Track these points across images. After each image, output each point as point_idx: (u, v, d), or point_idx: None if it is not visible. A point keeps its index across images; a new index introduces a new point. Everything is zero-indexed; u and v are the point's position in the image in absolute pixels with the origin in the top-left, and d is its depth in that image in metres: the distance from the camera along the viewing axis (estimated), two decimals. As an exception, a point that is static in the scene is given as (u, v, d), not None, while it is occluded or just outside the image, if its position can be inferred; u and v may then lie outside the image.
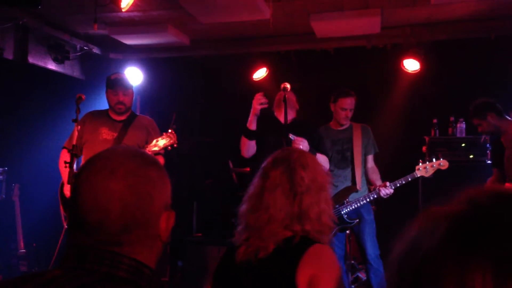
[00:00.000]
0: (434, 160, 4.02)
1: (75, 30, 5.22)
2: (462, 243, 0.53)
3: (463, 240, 0.54)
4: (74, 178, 1.05)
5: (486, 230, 0.54)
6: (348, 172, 4.26)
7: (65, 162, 3.54)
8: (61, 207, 3.72)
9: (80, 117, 3.61)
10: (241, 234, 1.77)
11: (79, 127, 3.61)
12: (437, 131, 4.98)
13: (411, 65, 5.18)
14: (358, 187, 4.18)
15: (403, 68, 5.23)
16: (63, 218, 3.68)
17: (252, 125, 3.58)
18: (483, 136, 4.58)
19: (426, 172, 4.02)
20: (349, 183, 4.22)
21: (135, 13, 4.59)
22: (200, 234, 5.38)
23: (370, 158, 4.31)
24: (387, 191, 3.96)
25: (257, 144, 3.67)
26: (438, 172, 4.75)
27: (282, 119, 3.52)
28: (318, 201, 1.73)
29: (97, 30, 4.41)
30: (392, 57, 5.28)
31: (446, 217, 0.58)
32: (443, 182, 4.03)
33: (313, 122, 4.03)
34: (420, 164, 4.05)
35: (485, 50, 5.05)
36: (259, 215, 1.72)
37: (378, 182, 4.17)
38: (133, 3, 3.59)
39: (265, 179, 1.76)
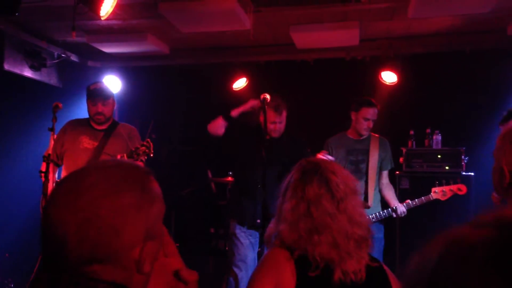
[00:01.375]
0: (451, 183, 3.91)
1: (52, 37, 5.15)
2: (501, 272, 0.53)
3: (501, 270, 0.53)
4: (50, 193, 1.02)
5: None
6: (361, 185, 4.06)
7: (40, 172, 3.48)
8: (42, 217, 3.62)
9: (56, 126, 3.56)
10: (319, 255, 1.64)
11: (55, 136, 3.55)
12: (414, 142, 5.04)
13: (389, 77, 5.26)
14: (369, 203, 4.02)
15: (381, 80, 5.30)
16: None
17: (235, 113, 3.73)
18: None
19: (443, 195, 3.89)
20: (361, 197, 4.06)
21: (115, 21, 4.55)
22: (178, 244, 5.33)
23: (385, 173, 4.17)
24: (403, 209, 3.90)
25: (239, 151, 3.73)
26: (414, 181, 4.80)
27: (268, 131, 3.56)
28: (355, 204, 1.71)
29: (75, 38, 4.35)
30: (370, 69, 5.35)
31: (478, 245, 0.56)
32: (420, 192, 4.03)
33: (301, 137, 4.00)
34: (437, 186, 3.92)
35: (460, 63, 5.15)
36: (323, 230, 1.64)
37: (393, 200, 4.03)
38: (112, 12, 3.56)
39: (303, 194, 1.70)
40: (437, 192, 3.90)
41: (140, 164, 3.67)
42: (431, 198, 3.91)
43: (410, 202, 3.93)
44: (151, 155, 3.52)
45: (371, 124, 4.09)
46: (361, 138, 4.18)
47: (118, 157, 3.46)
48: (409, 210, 3.95)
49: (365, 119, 4.06)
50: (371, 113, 4.05)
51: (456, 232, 0.60)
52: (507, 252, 0.54)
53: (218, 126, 3.73)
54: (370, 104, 4.06)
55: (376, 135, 4.23)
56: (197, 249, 5.01)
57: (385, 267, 1.71)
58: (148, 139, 3.53)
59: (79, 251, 0.89)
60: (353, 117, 4.15)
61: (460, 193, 3.93)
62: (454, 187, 3.92)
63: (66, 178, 0.98)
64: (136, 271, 0.94)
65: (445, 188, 3.91)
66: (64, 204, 0.91)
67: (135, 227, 0.93)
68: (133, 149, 3.53)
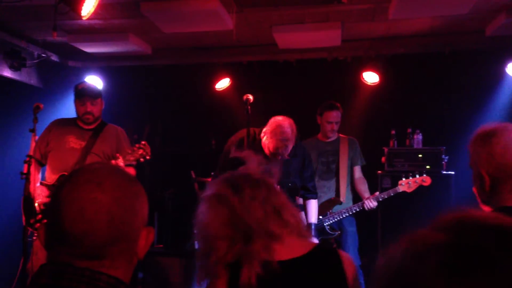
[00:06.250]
0: (417, 176, 4.08)
1: (32, 37, 5.07)
2: (451, 275, 0.55)
3: (452, 273, 0.55)
4: (55, 191, 1.04)
5: (473, 263, 0.55)
6: (332, 183, 4.28)
7: (21, 173, 3.39)
8: (23, 219, 3.52)
9: (37, 127, 3.49)
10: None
11: (36, 137, 3.50)
12: (396, 142, 5.10)
13: (371, 77, 5.31)
14: (342, 199, 4.20)
15: (363, 80, 5.35)
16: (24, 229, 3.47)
17: None
18: None
19: (409, 187, 4.05)
20: (333, 194, 4.25)
21: (96, 21, 4.51)
22: (161, 246, 5.30)
23: (357, 168, 4.37)
24: (371, 204, 4.01)
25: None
26: (396, 180, 4.83)
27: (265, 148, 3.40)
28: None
29: (56, 38, 4.30)
30: (352, 69, 5.40)
31: (434, 247, 0.58)
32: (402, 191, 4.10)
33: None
34: (403, 179, 4.08)
35: (440, 63, 5.24)
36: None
37: (366, 194, 4.19)
38: (94, 11, 3.53)
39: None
40: (403, 185, 4.07)
41: (132, 168, 3.65)
42: (398, 190, 4.06)
43: (378, 194, 4.07)
44: (148, 157, 3.49)
45: (334, 127, 4.27)
46: (330, 140, 4.37)
47: (113, 162, 3.41)
48: (391, 208, 4.09)
49: (328, 122, 4.25)
50: (333, 116, 4.23)
51: (418, 233, 0.62)
52: (460, 257, 0.56)
53: None
54: (332, 108, 4.23)
55: (345, 136, 4.42)
56: (180, 250, 4.99)
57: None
58: (145, 142, 3.50)
59: (110, 229, 0.98)
60: (319, 121, 4.35)
61: (424, 184, 4.08)
62: (418, 179, 4.07)
63: (71, 175, 1.03)
64: (135, 257, 1.05)
65: (410, 180, 4.07)
66: (89, 190, 0.98)
67: (143, 211, 1.07)
68: (130, 151, 3.49)
